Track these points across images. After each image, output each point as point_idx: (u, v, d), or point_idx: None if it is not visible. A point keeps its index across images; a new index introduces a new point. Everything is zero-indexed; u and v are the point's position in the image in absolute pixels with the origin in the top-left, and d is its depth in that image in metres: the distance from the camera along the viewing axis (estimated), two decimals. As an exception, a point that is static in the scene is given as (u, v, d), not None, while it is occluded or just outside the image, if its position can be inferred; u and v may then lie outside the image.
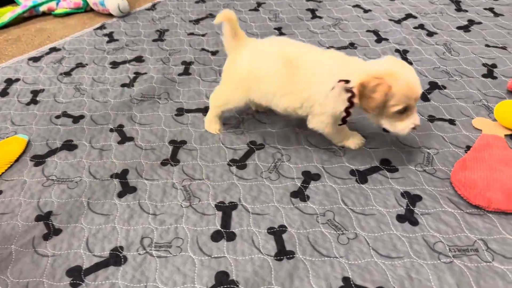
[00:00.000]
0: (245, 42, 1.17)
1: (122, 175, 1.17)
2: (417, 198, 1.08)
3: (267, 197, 1.10)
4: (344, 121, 1.11)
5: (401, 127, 1.06)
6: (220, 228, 1.02)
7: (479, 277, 0.89)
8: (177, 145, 1.28)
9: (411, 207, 1.05)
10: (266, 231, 1.01)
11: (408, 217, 1.03)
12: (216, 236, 1.00)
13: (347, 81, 1.04)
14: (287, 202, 1.08)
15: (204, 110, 1.42)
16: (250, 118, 1.37)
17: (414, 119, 1.06)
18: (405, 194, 1.09)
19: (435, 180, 1.13)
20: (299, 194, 1.10)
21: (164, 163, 1.21)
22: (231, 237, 1.00)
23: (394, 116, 1.05)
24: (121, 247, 0.99)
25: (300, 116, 1.17)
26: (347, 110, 1.08)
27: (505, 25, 1.86)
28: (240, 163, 1.20)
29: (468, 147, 1.22)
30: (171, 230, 1.02)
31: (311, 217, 1.04)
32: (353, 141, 1.23)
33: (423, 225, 1.01)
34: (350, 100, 1.05)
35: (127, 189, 1.13)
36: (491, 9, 2.01)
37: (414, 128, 1.06)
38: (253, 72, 1.13)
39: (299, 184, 1.13)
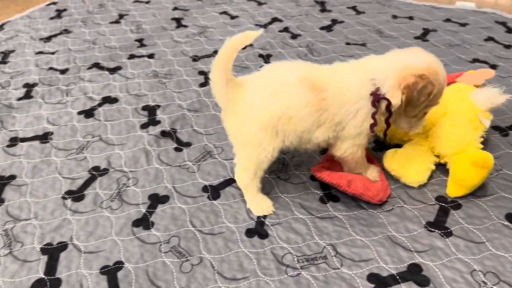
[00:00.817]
0: (241, 84, 0.94)
1: None
2: (269, 208, 1.01)
3: (105, 231, 0.97)
4: (385, 134, 1.00)
5: (418, 124, 0.98)
6: (44, 276, 0.88)
7: (326, 287, 0.84)
8: (3, 182, 1.11)
9: (262, 219, 0.99)
10: (98, 271, 0.89)
11: (257, 230, 0.96)
12: (37, 286, 0.86)
13: (377, 89, 0.90)
14: (128, 233, 0.96)
15: (43, 137, 1.26)
16: (96, 140, 1.24)
17: (427, 115, 1.00)
18: (257, 206, 1.02)
19: (289, 186, 1.08)
20: (143, 222, 0.99)
21: (-16, 205, 1.04)
22: (55, 285, 0.86)
23: (420, 114, 0.95)
24: None
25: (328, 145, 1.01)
26: (387, 121, 0.95)
27: (366, 22, 1.91)
28: (77, 194, 1.06)
29: (324, 149, 1.19)
30: (-19, 287, 0.86)
31: (153, 246, 0.93)
32: (371, 173, 1.05)
33: (273, 237, 0.94)
34: (388, 109, 0.91)
35: None
36: (354, 8, 2.06)
37: None
38: (281, 113, 0.91)
39: (144, 210, 1.02)
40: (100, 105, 1.40)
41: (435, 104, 0.96)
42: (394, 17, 1.94)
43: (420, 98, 0.90)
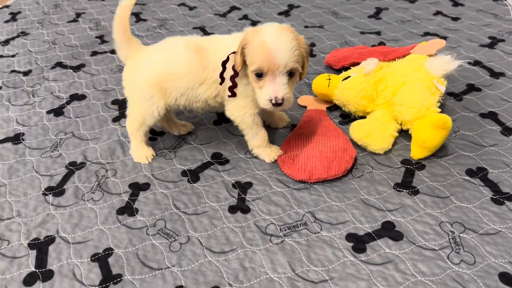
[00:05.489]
0: (141, 48, 1.11)
1: None
2: (248, 185, 1.06)
3: (90, 221, 0.99)
4: (231, 91, 1.00)
5: (261, 96, 0.96)
6: (35, 269, 0.89)
7: (309, 250, 0.90)
8: (-20, 185, 1.10)
9: (243, 196, 1.03)
10: (89, 259, 0.91)
11: (240, 206, 1.00)
12: (29, 280, 0.87)
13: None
14: (113, 221, 0.99)
15: (14, 138, 1.25)
16: (69, 137, 1.24)
17: (272, 90, 0.93)
18: (236, 184, 1.06)
19: (264, 163, 1.12)
20: (127, 209, 1.01)
21: (-38, 209, 1.03)
22: (48, 276, 0.88)
23: (255, 80, 0.95)
24: None
25: (222, 108, 1.10)
26: (232, 79, 0.98)
27: (321, 5, 1.97)
28: (57, 189, 1.07)
29: (293, 126, 1.25)
30: (-28, 287, 0.86)
31: (140, 231, 0.96)
32: (269, 155, 1.11)
33: (255, 211, 0.99)
34: (233, 68, 0.98)
35: None
36: (308, -8, 2.11)
37: (276, 104, 0.94)
38: (166, 71, 1.05)
39: (126, 199, 1.04)
40: (68, 103, 1.39)
41: (254, 64, 0.94)
42: (348, -2, 2.01)
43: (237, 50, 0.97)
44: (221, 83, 1.02)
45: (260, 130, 1.09)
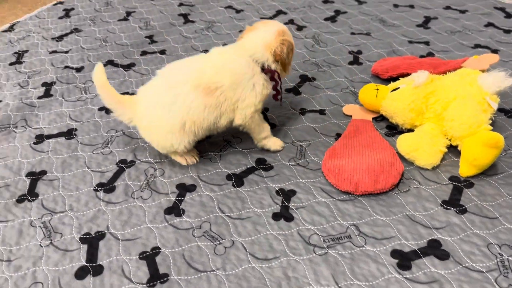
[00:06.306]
0: (135, 101, 1.11)
1: (-32, 222, 1.03)
2: (292, 193, 1.07)
3: (138, 219, 1.02)
4: (277, 99, 1.16)
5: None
6: (86, 263, 0.93)
7: (353, 264, 0.90)
8: (35, 177, 1.15)
9: (286, 203, 1.04)
10: (137, 257, 0.94)
11: (283, 214, 1.01)
12: (81, 273, 0.91)
13: (268, 66, 1.09)
14: (161, 220, 1.02)
15: (67, 133, 1.30)
16: (120, 135, 1.29)
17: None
18: (280, 192, 1.07)
19: (308, 172, 1.13)
20: (174, 210, 1.04)
21: (20, 199, 1.09)
22: (98, 271, 0.91)
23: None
24: (-33, 307, 0.86)
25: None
26: (275, 88, 1.13)
27: (368, 12, 1.95)
28: (108, 186, 1.11)
29: (338, 135, 1.25)
30: (28, 276, 0.91)
31: (187, 232, 0.99)
32: (274, 143, 1.19)
33: (298, 220, 1.00)
34: (279, 77, 1.11)
35: (-27, 238, 0.99)
36: (355, -2, 2.10)
37: None
38: (186, 119, 1.06)
39: (173, 199, 1.07)
40: (119, 101, 1.44)
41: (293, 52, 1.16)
42: (395, 6, 1.98)
43: (289, 55, 1.12)
44: (275, 96, 1.15)
45: (264, 123, 1.17)
